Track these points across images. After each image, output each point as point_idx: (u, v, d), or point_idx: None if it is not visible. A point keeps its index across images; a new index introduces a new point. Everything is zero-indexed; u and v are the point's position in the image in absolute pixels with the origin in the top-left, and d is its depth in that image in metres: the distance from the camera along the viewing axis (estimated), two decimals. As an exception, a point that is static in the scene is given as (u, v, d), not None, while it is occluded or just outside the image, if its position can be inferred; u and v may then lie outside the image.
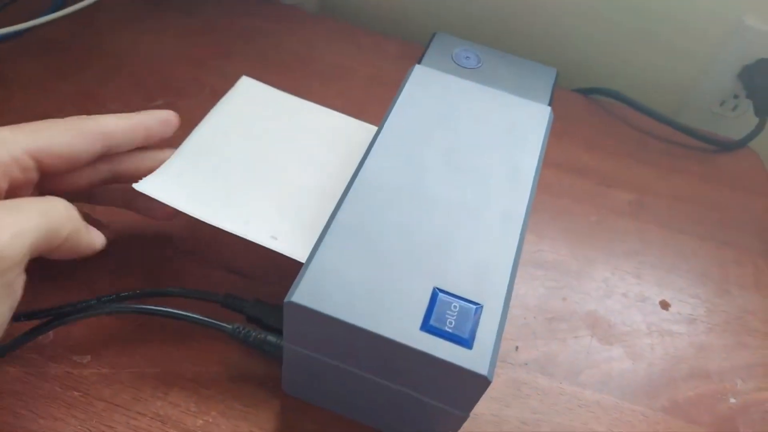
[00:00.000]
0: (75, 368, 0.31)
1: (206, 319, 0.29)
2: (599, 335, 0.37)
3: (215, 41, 0.51)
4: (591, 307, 0.38)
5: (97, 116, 0.29)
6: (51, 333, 0.31)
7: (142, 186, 0.29)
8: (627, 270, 0.41)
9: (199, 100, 0.46)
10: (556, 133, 0.47)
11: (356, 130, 0.36)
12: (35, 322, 0.29)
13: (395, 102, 0.33)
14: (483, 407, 0.32)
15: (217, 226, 0.29)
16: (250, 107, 0.36)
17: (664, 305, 0.39)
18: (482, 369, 0.23)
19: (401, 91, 0.33)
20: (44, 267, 0.28)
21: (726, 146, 0.51)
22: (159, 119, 0.31)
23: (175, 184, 0.30)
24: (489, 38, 0.58)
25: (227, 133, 0.34)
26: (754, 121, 0.51)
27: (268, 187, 0.32)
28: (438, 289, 0.25)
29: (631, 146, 0.50)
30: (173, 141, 0.33)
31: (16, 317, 0.26)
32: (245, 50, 0.51)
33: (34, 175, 0.27)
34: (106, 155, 0.29)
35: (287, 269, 0.27)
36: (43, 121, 0.27)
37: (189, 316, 0.29)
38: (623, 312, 0.38)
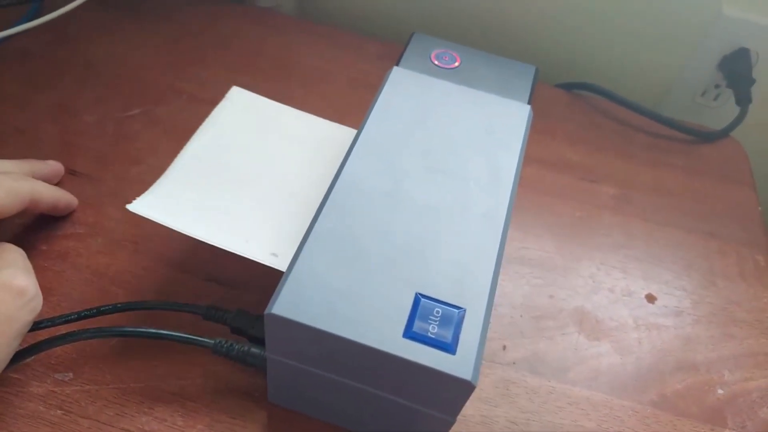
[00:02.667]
0: (57, 386, 0.30)
1: (188, 336, 0.29)
2: (587, 331, 0.37)
3: (191, 47, 0.50)
4: (578, 303, 0.38)
5: (33, 182, 0.34)
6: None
7: (134, 207, 0.29)
8: (613, 265, 0.41)
9: (176, 107, 0.45)
10: (538, 129, 0.47)
11: (348, 138, 0.36)
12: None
13: (373, 105, 0.32)
14: (472, 408, 0.32)
15: (215, 245, 0.28)
16: (242, 119, 0.35)
17: (651, 299, 0.39)
18: (466, 374, 0.23)
19: (379, 94, 0.33)
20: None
21: (708, 137, 0.51)
22: (74, 205, 0.38)
23: (168, 203, 0.29)
24: (470, 36, 0.57)
25: (219, 146, 0.33)
26: (736, 110, 0.51)
27: (263, 201, 0.31)
28: (420, 294, 0.25)
29: (614, 140, 0.50)
30: (165, 155, 0.33)
31: None
32: (222, 56, 0.50)
33: None
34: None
35: (271, 277, 0.27)
36: None
37: (170, 335, 0.29)
38: (610, 307, 0.38)
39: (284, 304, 0.24)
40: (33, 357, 0.31)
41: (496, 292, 0.37)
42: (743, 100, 0.51)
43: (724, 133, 0.51)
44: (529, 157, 0.45)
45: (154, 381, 0.31)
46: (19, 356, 0.29)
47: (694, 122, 0.52)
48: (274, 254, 0.28)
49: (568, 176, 0.46)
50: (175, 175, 0.31)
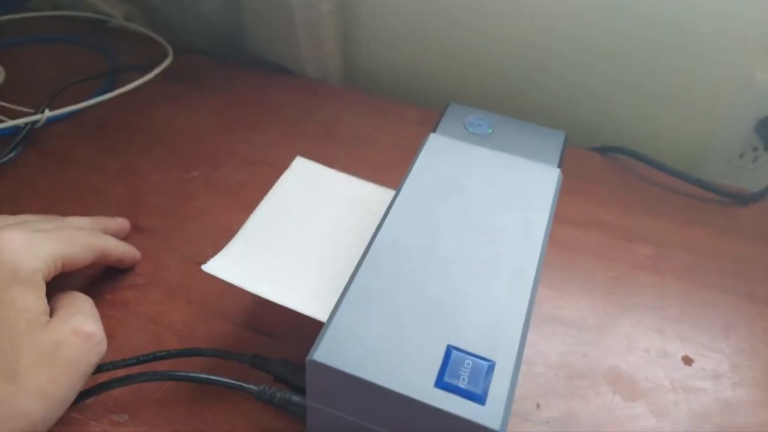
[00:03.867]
0: (113, 427, 0.32)
1: (234, 382, 0.31)
2: (621, 392, 0.37)
3: (246, 114, 0.55)
4: (612, 362, 0.38)
5: (105, 237, 0.37)
6: (92, 392, 0.33)
7: (209, 268, 0.32)
8: (648, 325, 0.41)
9: (230, 169, 0.49)
10: (572, 190, 0.48)
11: None
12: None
13: (411, 168, 0.35)
14: (505, 465, 0.33)
15: (281, 304, 0.31)
16: (304, 186, 0.38)
17: (687, 361, 0.39)
18: (495, 424, 0.24)
19: (417, 158, 0.36)
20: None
21: (745, 199, 0.51)
22: (138, 259, 0.41)
23: (239, 265, 0.33)
24: (504, 103, 0.60)
25: (283, 213, 0.36)
26: (775, 172, 0.51)
27: (321, 263, 0.34)
28: (451, 346, 0.26)
29: (650, 201, 0.51)
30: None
31: None
32: (274, 122, 0.54)
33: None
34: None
35: (313, 329, 0.29)
36: (69, 232, 0.35)
37: (218, 380, 0.31)
38: (645, 367, 0.38)
39: (325, 352, 0.26)
40: (93, 398, 0.33)
41: (531, 349, 0.38)
42: (781, 162, 0.51)
43: (762, 195, 0.51)
44: (563, 218, 0.46)
45: (202, 425, 0.33)
46: (81, 396, 0.31)
47: (732, 185, 0.52)
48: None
49: (602, 236, 0.47)
50: (244, 238, 0.34)
